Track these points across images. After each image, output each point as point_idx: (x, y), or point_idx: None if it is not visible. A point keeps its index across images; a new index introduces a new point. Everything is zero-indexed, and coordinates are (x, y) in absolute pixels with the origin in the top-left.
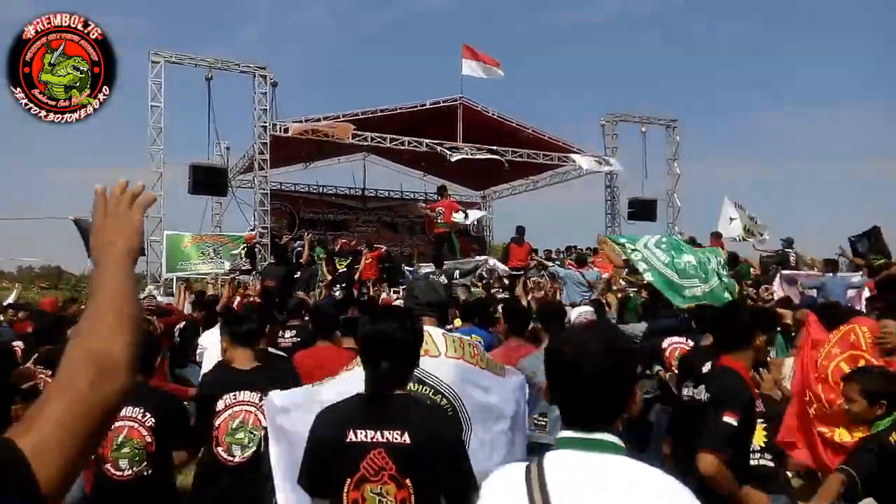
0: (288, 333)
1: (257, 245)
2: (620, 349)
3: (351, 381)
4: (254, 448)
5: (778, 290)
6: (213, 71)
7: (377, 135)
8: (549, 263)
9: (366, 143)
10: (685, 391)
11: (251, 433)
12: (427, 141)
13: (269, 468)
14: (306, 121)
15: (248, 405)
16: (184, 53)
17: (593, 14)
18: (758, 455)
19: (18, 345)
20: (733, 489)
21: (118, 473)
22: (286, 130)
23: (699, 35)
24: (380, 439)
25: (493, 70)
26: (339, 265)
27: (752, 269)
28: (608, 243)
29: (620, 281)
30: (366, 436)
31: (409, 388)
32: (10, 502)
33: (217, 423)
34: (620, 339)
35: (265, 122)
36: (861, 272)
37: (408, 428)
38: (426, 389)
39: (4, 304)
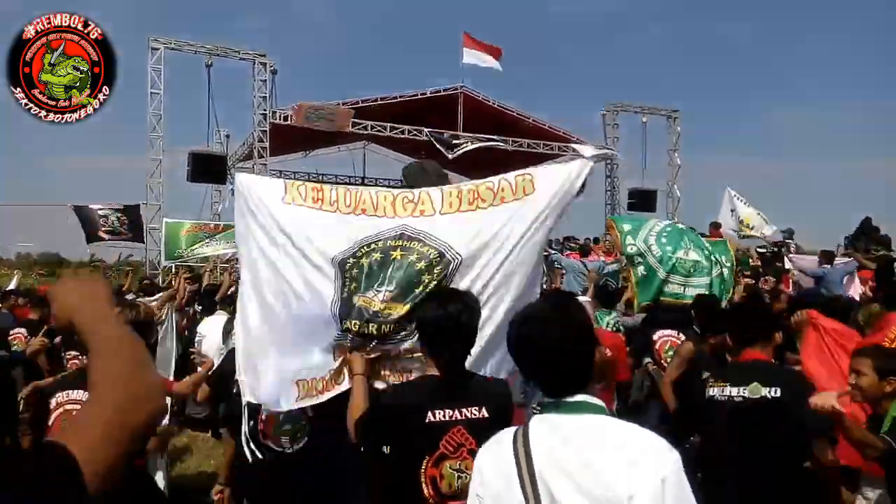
0: None
1: None
2: (576, 318)
3: None
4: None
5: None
6: (212, 58)
7: (377, 123)
8: (551, 251)
9: (365, 132)
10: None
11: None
12: (427, 130)
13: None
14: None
15: None
16: (183, 40)
17: (597, 5)
18: None
19: (21, 332)
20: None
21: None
22: (286, 118)
23: (704, 29)
24: (459, 417)
25: (491, 60)
26: None
27: (750, 261)
28: (614, 228)
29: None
30: (444, 415)
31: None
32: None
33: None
34: (573, 307)
35: (265, 110)
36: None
37: (485, 404)
38: (414, 244)
39: (6, 290)
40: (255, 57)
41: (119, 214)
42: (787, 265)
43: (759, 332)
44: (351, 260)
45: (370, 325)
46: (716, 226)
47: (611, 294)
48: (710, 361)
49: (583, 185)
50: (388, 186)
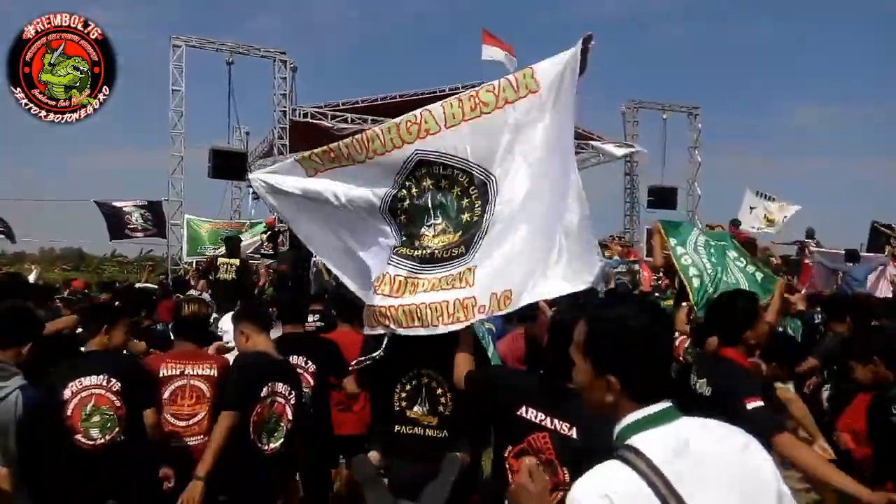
0: (311, 318)
1: (279, 230)
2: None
3: None
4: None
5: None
6: (233, 56)
7: (359, 116)
8: None
9: (350, 134)
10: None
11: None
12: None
13: None
14: (325, 106)
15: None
16: (205, 38)
17: (615, 8)
18: None
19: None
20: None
21: (89, 443)
22: (305, 116)
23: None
24: (548, 425)
25: (509, 58)
26: None
27: (772, 259)
28: (661, 234)
29: (649, 285)
30: (535, 416)
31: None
32: None
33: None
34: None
35: (285, 107)
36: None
37: (577, 424)
38: (438, 169)
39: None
40: (275, 54)
41: (143, 211)
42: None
43: (730, 334)
44: (396, 205)
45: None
46: (735, 224)
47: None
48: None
49: (584, 62)
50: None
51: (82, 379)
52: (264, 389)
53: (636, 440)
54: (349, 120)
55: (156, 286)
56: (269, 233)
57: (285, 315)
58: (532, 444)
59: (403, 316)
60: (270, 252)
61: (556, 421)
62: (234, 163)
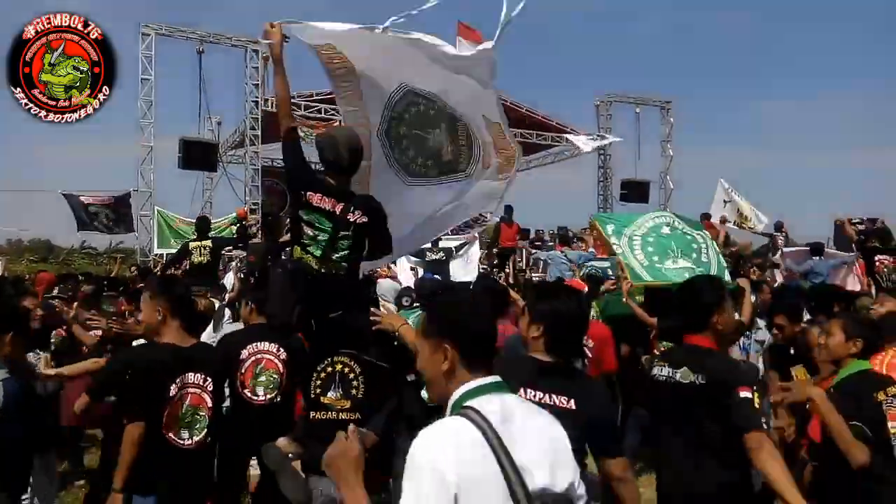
0: None
1: (249, 222)
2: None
3: None
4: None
5: (779, 277)
6: (204, 44)
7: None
8: (535, 251)
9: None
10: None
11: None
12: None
13: None
14: (298, 96)
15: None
16: (174, 26)
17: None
18: None
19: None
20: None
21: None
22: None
23: (699, 21)
24: (548, 401)
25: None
26: None
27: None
28: (596, 226)
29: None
30: (535, 396)
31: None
32: None
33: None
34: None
35: (257, 97)
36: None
37: (573, 396)
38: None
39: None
40: (247, 43)
41: (108, 211)
42: (777, 259)
43: (697, 319)
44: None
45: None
46: (707, 217)
47: (595, 284)
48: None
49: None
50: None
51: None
52: (172, 388)
53: (474, 403)
54: (323, 111)
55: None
56: (240, 224)
57: (262, 306)
58: None
59: None
60: (241, 244)
61: (554, 396)
62: (205, 154)
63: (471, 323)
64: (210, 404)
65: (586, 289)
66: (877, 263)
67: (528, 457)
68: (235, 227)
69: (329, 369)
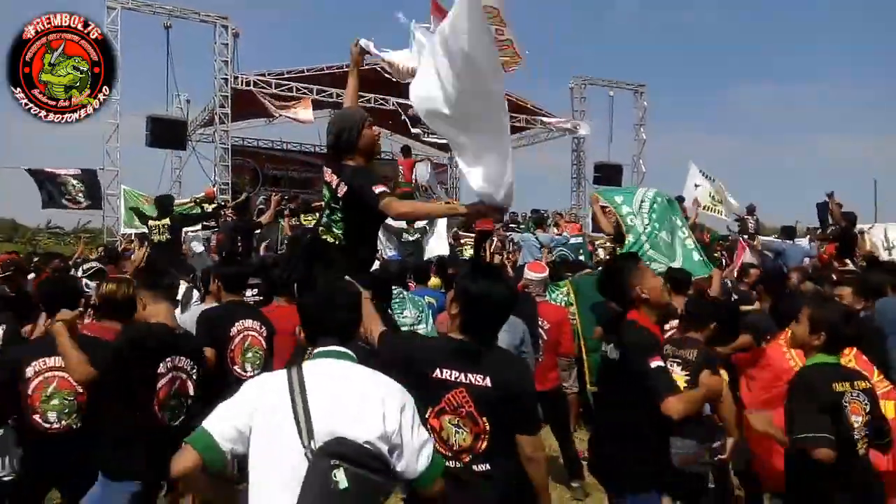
0: (249, 292)
1: (221, 203)
2: (331, 289)
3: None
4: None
5: (748, 258)
6: (171, 19)
7: (342, 91)
8: (510, 234)
9: (330, 100)
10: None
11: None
12: (394, 99)
13: None
14: (269, 74)
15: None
16: (141, 0)
17: None
18: None
19: None
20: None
21: (47, 426)
22: (248, 84)
23: (674, 5)
24: (463, 380)
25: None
26: (306, 221)
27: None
28: (599, 201)
29: (600, 250)
30: (450, 375)
31: None
32: None
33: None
34: (329, 284)
35: (226, 75)
36: (812, 240)
37: (489, 374)
38: None
39: None
40: (216, 19)
41: (76, 182)
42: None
43: (622, 295)
44: None
45: None
46: (680, 199)
47: (565, 267)
48: None
49: None
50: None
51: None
52: (162, 366)
53: (307, 362)
54: (294, 89)
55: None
56: (213, 204)
57: (228, 285)
58: (451, 401)
59: None
60: (210, 223)
61: (469, 375)
62: (173, 131)
63: (314, 313)
64: (192, 392)
65: (546, 271)
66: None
67: (325, 405)
68: (205, 206)
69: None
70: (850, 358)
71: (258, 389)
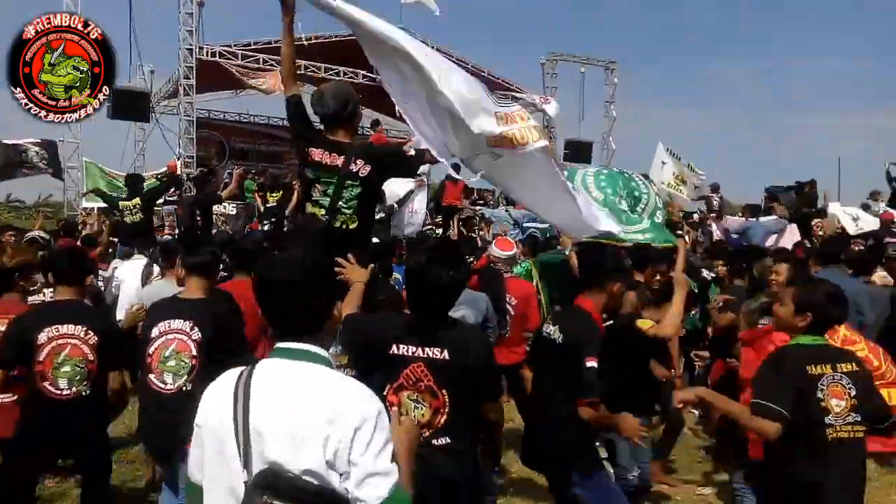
0: None
1: (181, 176)
2: (310, 270)
3: None
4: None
5: (715, 233)
6: None
7: (311, 63)
8: (479, 207)
9: (299, 73)
10: (549, 330)
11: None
12: (363, 73)
13: None
14: (235, 45)
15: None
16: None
17: None
18: None
19: None
20: (611, 422)
21: (57, 392)
22: (213, 55)
23: None
24: (421, 354)
25: (430, 2)
26: (270, 198)
27: (673, 214)
28: None
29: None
30: (408, 350)
31: None
32: None
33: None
34: (310, 261)
35: (191, 45)
36: (778, 216)
37: (447, 347)
38: None
39: None
40: None
41: (39, 149)
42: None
43: (590, 280)
44: None
45: None
46: (644, 177)
47: (535, 244)
48: None
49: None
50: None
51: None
52: (154, 330)
53: (262, 363)
54: (261, 60)
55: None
56: (168, 178)
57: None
58: (409, 376)
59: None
60: (173, 198)
61: (427, 349)
62: (136, 103)
63: (274, 301)
64: (195, 352)
65: (514, 249)
66: (814, 227)
67: (265, 424)
68: (163, 179)
69: None
70: (863, 346)
71: (209, 398)
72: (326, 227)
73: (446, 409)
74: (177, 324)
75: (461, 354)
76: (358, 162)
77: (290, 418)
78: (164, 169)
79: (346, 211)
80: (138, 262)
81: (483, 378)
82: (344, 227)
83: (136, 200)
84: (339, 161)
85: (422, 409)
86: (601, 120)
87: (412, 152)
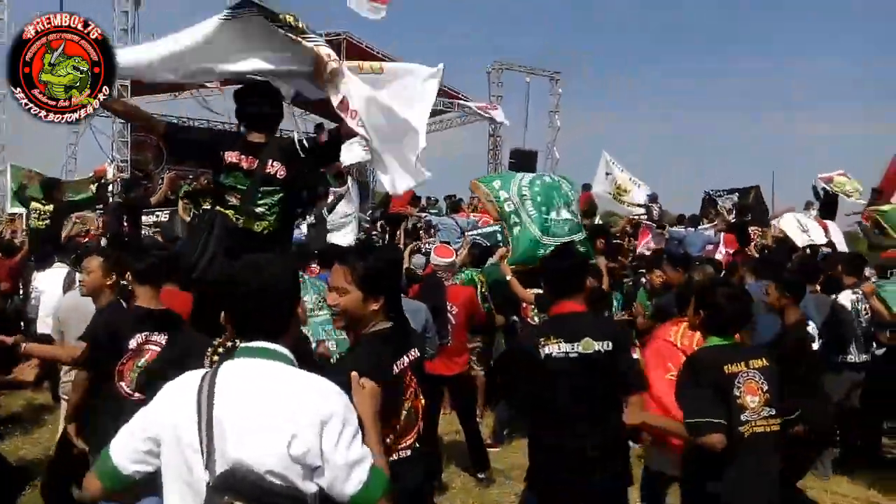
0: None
1: (107, 181)
2: (269, 274)
3: None
4: None
5: (651, 243)
6: None
7: None
8: (425, 214)
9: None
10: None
11: None
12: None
13: None
14: None
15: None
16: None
17: None
18: None
19: None
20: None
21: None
22: None
23: None
24: (406, 362)
25: (377, 9)
26: (205, 203)
27: (620, 221)
28: (480, 188)
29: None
30: (402, 363)
31: None
32: None
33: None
34: (269, 266)
35: (126, 44)
36: (715, 225)
37: (416, 344)
38: None
39: None
40: None
41: None
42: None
43: (575, 282)
44: None
45: None
46: (587, 188)
47: (482, 253)
48: None
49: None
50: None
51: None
52: (133, 342)
53: (227, 364)
54: None
55: None
56: (98, 183)
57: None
58: (407, 388)
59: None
60: (99, 204)
61: (409, 353)
62: None
63: (240, 302)
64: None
65: (453, 256)
66: (752, 234)
67: (230, 422)
68: (94, 187)
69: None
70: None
71: (170, 397)
72: (245, 231)
73: (423, 404)
74: (155, 336)
75: (420, 345)
76: (274, 164)
77: (255, 417)
78: (92, 174)
79: (269, 217)
80: (59, 270)
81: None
82: (265, 232)
83: (50, 207)
84: (254, 163)
85: (411, 414)
86: (545, 129)
87: (325, 137)
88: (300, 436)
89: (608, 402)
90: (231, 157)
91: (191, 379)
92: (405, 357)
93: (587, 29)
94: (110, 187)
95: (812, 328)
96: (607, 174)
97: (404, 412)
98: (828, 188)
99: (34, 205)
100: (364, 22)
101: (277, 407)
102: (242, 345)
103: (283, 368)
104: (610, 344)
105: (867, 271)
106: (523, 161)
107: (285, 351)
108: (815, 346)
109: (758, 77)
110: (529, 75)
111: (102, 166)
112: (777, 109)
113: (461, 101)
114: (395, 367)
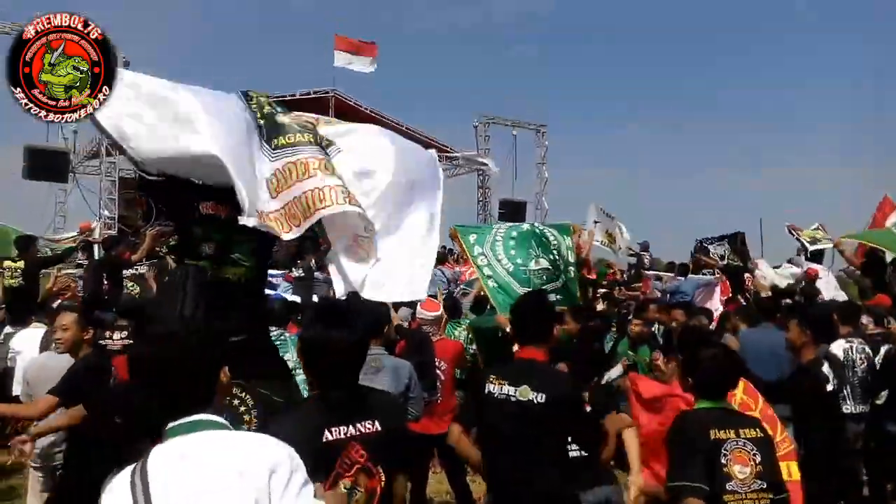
0: (117, 335)
1: (91, 240)
2: (192, 341)
3: None
4: None
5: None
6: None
7: None
8: None
9: None
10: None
11: None
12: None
13: None
14: None
15: None
16: (17, 22)
17: (470, 17)
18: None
19: None
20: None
21: None
22: None
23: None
24: (354, 433)
25: (365, 61)
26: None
27: (609, 270)
28: (458, 239)
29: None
30: (340, 432)
31: None
32: None
33: None
34: (192, 332)
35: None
36: (713, 272)
37: (376, 416)
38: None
39: None
40: None
41: None
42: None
43: (538, 330)
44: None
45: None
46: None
47: (456, 305)
48: None
49: None
50: None
51: None
52: None
53: (155, 449)
54: None
55: None
56: (81, 240)
57: None
58: (344, 461)
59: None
60: (84, 262)
61: (357, 424)
62: (54, 163)
63: (158, 373)
64: None
65: (440, 309)
66: (747, 282)
67: (177, 499)
68: (79, 244)
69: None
70: (758, 415)
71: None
72: (215, 281)
73: (381, 486)
74: None
75: (389, 420)
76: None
77: (200, 489)
78: (77, 232)
79: (245, 263)
80: (36, 331)
81: (401, 447)
82: (240, 280)
83: (20, 264)
84: (229, 211)
85: (357, 495)
86: (534, 180)
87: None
88: (248, 490)
89: (544, 454)
90: (206, 206)
91: (121, 480)
92: (350, 426)
93: (568, 86)
94: (95, 248)
95: (826, 369)
96: (595, 223)
97: (341, 488)
98: (797, 237)
99: (6, 263)
100: (353, 79)
101: (220, 471)
102: (169, 425)
103: (216, 435)
104: (544, 397)
105: (864, 318)
106: (512, 211)
107: (216, 418)
108: (829, 387)
109: (746, 122)
110: (516, 128)
111: (87, 222)
112: (768, 162)
113: (451, 154)
114: (327, 433)
